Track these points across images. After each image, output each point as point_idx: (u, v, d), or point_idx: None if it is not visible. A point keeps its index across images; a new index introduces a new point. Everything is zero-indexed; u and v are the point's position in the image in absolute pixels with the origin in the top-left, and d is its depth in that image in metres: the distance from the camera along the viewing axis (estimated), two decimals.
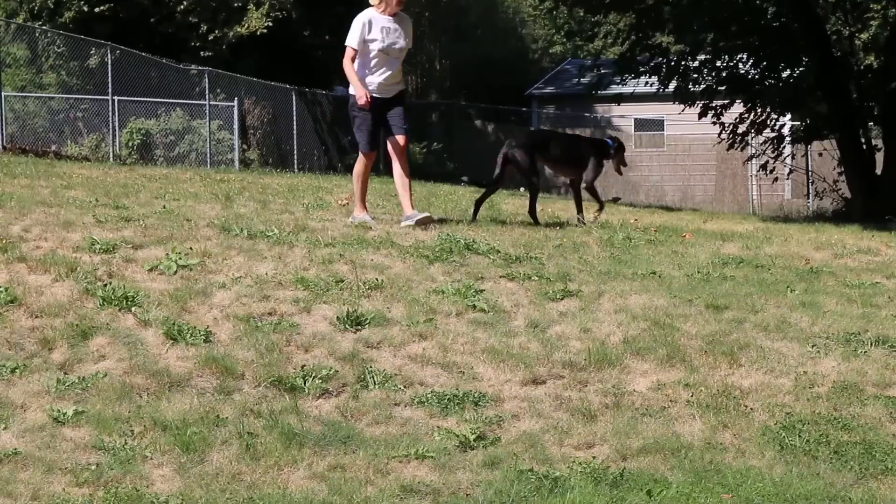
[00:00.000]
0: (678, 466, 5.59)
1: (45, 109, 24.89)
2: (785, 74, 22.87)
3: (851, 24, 22.32)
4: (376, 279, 7.92)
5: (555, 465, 5.58)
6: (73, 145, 23.43)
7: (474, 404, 6.23)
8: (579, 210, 11.99)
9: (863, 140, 22.29)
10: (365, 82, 10.05)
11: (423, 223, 9.92)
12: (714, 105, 23.50)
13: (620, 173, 12.31)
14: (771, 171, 24.38)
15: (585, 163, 11.88)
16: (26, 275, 7.57)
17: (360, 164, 10.43)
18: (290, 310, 7.31)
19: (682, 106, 23.55)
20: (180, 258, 8.03)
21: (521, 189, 22.83)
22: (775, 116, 23.97)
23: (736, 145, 24.10)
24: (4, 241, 8.18)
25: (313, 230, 9.50)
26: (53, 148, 22.10)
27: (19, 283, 7.38)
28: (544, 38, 48.45)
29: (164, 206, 10.48)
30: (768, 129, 24.07)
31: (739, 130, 23.90)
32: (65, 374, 6.34)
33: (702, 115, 23.52)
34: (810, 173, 28.11)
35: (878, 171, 22.17)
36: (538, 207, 11.65)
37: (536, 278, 8.22)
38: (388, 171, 10.82)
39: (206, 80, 25.00)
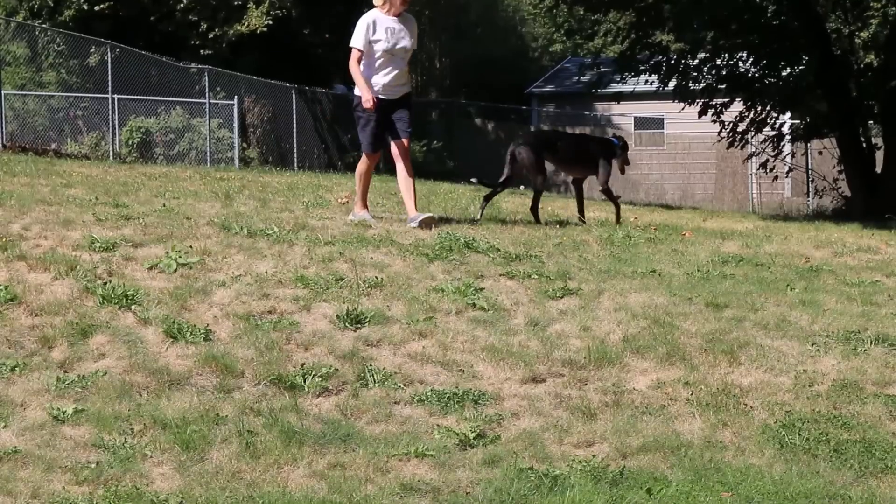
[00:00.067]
0: (678, 465, 5.59)
1: (45, 108, 24.88)
2: (785, 73, 22.86)
3: (851, 23, 22.31)
4: (376, 277, 7.92)
5: (555, 464, 5.58)
6: (72, 143, 23.43)
7: (474, 402, 6.23)
8: (580, 209, 11.98)
9: (863, 138, 22.29)
10: (371, 83, 10.02)
11: (427, 224, 9.90)
12: (714, 103, 23.49)
13: (623, 172, 12.31)
14: (771, 170, 24.38)
15: (593, 163, 11.88)
16: (26, 273, 7.57)
17: (362, 163, 10.42)
18: (290, 308, 7.31)
19: (681, 104, 23.54)
20: (180, 256, 8.03)
21: (522, 188, 22.84)
22: (775, 115, 23.97)
23: (736, 144, 24.10)
24: (4, 240, 8.18)
25: (313, 228, 9.50)
26: (53, 146, 22.09)
27: (19, 281, 7.38)
28: (544, 37, 48.44)
29: (164, 205, 10.48)
30: (768, 128, 24.07)
31: (739, 129, 23.89)
32: (65, 372, 6.34)
33: (702, 113, 23.51)
34: (810, 172, 28.12)
35: (878, 169, 22.17)
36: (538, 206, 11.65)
37: (536, 276, 8.22)
38: (389, 170, 10.78)
39: (206, 78, 25.00)
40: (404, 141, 10.17)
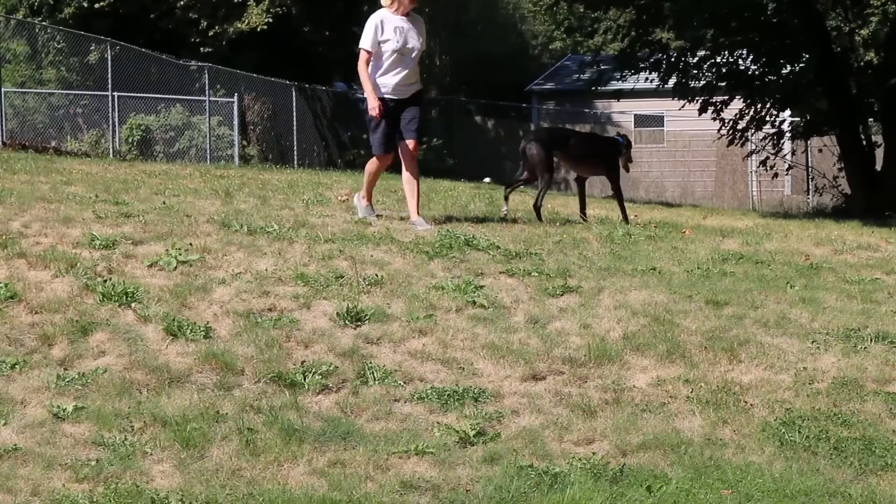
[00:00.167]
0: (678, 462, 5.59)
1: (45, 105, 24.86)
2: (785, 70, 22.87)
3: (851, 20, 22.31)
4: (376, 275, 7.92)
5: (554, 461, 5.58)
6: (72, 141, 23.42)
7: (474, 400, 6.23)
8: (583, 208, 11.99)
9: (863, 136, 22.31)
10: (381, 84, 9.97)
11: (424, 234, 9.86)
12: (714, 101, 23.49)
13: (627, 170, 12.34)
14: (771, 167, 24.39)
15: (601, 162, 11.91)
16: (26, 271, 7.57)
17: (373, 163, 10.34)
18: (290, 306, 7.31)
19: (681, 102, 23.55)
20: (180, 254, 8.03)
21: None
22: (775, 112, 23.98)
23: (736, 141, 24.10)
24: (4, 237, 8.17)
25: (313, 226, 9.50)
26: (53, 144, 22.08)
27: (19, 278, 7.38)
28: (544, 34, 48.40)
29: (164, 202, 10.48)
30: (768, 125, 24.08)
31: (739, 126, 23.90)
32: (65, 369, 6.34)
33: (701, 110, 23.52)
34: (810, 169, 28.12)
35: (878, 167, 22.19)
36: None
37: (536, 274, 8.22)
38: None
39: (206, 75, 24.99)
40: (411, 142, 10.11)
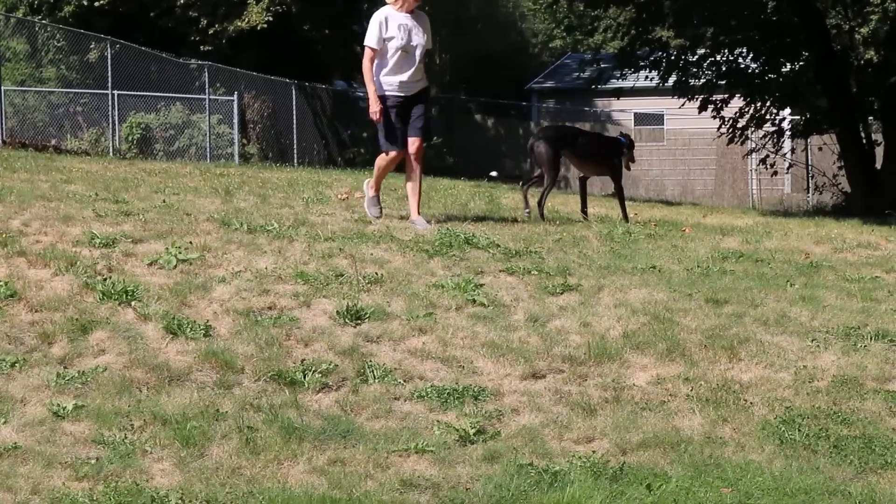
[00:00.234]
0: (678, 460, 5.59)
1: (45, 104, 24.87)
2: (785, 69, 22.84)
3: (851, 19, 22.31)
4: (376, 273, 7.92)
5: (554, 460, 5.58)
6: (72, 139, 23.43)
7: (474, 398, 6.23)
8: (584, 206, 12.00)
9: (863, 134, 22.29)
10: (387, 82, 9.92)
11: (424, 233, 9.84)
12: (714, 99, 23.48)
13: (629, 169, 12.36)
14: (771, 166, 24.37)
15: (606, 162, 11.93)
16: (26, 269, 7.57)
17: (382, 158, 10.25)
18: (290, 304, 7.31)
19: (681, 100, 23.53)
20: (180, 252, 8.03)
21: (521, 183, 22.81)
22: (775, 111, 23.95)
23: (736, 139, 24.08)
24: (4, 236, 8.18)
25: (313, 224, 9.50)
26: (53, 142, 22.10)
27: (19, 277, 7.38)
28: (544, 33, 48.42)
29: (164, 201, 10.48)
30: (768, 124, 24.05)
31: (739, 125, 23.87)
32: (64, 368, 6.34)
33: (701, 109, 23.49)
34: (810, 167, 28.10)
35: (878, 165, 22.17)
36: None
37: (536, 272, 8.22)
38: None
39: (206, 74, 24.99)
40: (416, 141, 10.09)
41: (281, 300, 7.35)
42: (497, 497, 5.18)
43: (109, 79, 23.22)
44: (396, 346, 6.83)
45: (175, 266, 7.84)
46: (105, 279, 7.42)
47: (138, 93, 24.38)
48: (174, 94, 25.39)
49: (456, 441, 5.75)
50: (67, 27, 26.02)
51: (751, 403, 6.22)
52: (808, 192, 29.14)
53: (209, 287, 7.48)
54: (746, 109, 23.74)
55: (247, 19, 27.11)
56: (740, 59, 23.36)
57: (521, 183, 11.68)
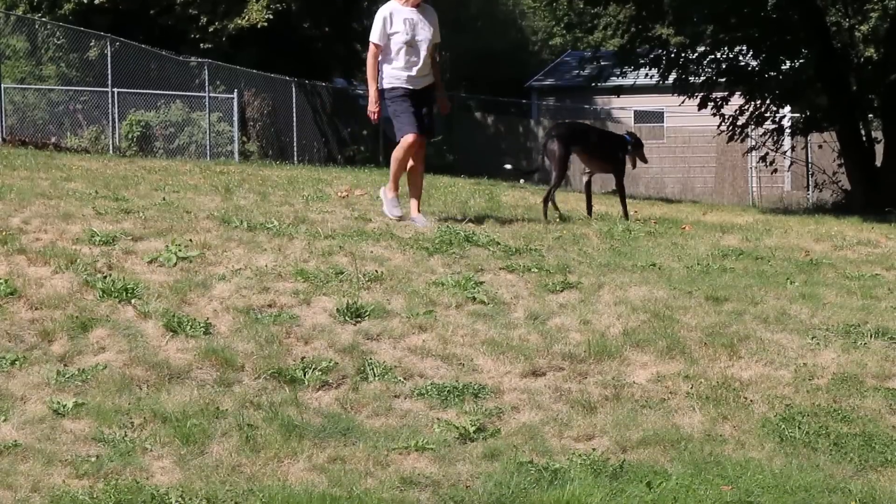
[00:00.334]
0: (678, 458, 5.59)
1: (45, 101, 24.87)
2: (785, 66, 22.84)
3: (851, 16, 22.30)
4: (376, 271, 7.92)
5: (555, 457, 5.58)
6: (72, 137, 23.42)
7: (474, 396, 6.23)
8: (589, 205, 12.02)
9: (863, 132, 22.28)
10: (395, 76, 9.86)
11: (424, 230, 9.82)
12: (714, 97, 23.47)
13: (634, 166, 12.38)
14: (771, 163, 24.37)
15: (612, 159, 11.94)
16: (26, 267, 7.57)
17: (399, 148, 10.01)
18: (290, 302, 7.31)
19: (681, 98, 23.53)
20: (180, 250, 8.03)
21: (521, 181, 22.82)
22: (775, 108, 23.95)
23: (736, 137, 24.08)
24: (4, 233, 8.17)
25: (313, 222, 9.50)
26: (53, 140, 22.09)
27: (19, 275, 7.38)
28: (544, 30, 48.41)
29: (164, 198, 10.48)
30: (768, 121, 24.05)
31: (739, 122, 23.87)
32: (65, 365, 6.34)
33: (701, 106, 23.48)
34: (810, 165, 28.10)
35: (878, 162, 22.17)
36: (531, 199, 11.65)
37: (536, 270, 8.22)
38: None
39: (206, 71, 24.98)
40: (420, 137, 10.01)
41: (281, 298, 7.35)
42: (497, 495, 5.18)
43: (109, 76, 23.21)
44: (396, 344, 6.83)
45: (175, 264, 7.84)
46: (105, 277, 7.42)
47: (138, 90, 24.37)
48: (174, 92, 25.38)
49: (456, 439, 5.75)
50: (67, 25, 26.03)
51: (751, 401, 6.22)
52: (808, 190, 29.14)
53: (209, 285, 7.48)
54: (746, 107, 23.74)
55: (247, 17, 27.10)
56: (740, 57, 23.36)
57: (544, 198, 11.62)
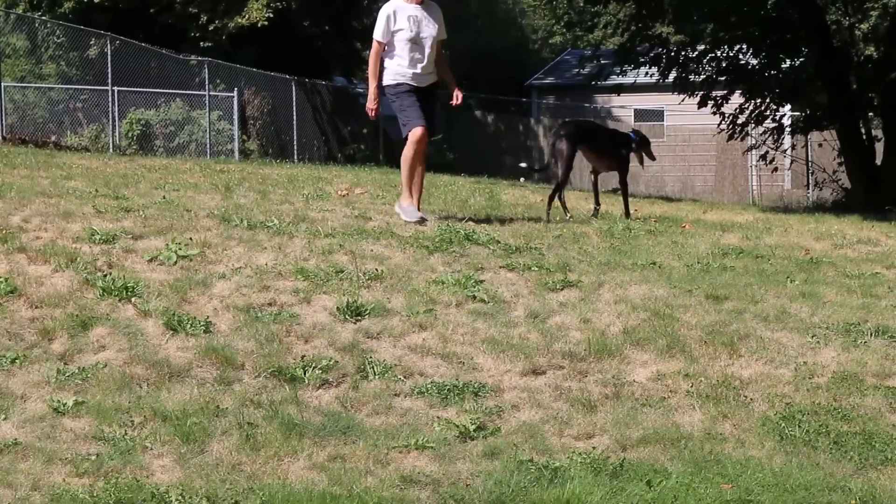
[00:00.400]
0: (678, 457, 5.59)
1: (45, 100, 24.86)
2: (785, 65, 22.85)
3: (851, 15, 22.28)
4: (376, 270, 7.92)
5: (555, 456, 5.58)
6: (72, 136, 23.40)
7: (474, 395, 6.23)
8: (597, 202, 12.03)
9: (863, 130, 22.29)
10: (399, 73, 9.83)
11: (423, 228, 9.78)
12: (714, 95, 23.48)
13: (642, 164, 12.39)
14: (771, 162, 24.37)
15: (618, 157, 11.95)
16: (26, 265, 7.57)
17: (408, 148, 9.88)
18: (290, 300, 7.31)
19: (681, 96, 23.54)
20: (180, 248, 8.03)
21: (522, 179, 22.81)
22: (775, 107, 23.95)
23: (736, 136, 24.08)
24: (4, 232, 8.17)
25: (313, 221, 9.50)
26: (53, 138, 22.08)
27: (19, 273, 7.38)
28: (544, 29, 48.38)
29: (164, 197, 10.48)
30: (768, 120, 24.05)
31: (739, 121, 23.87)
32: (65, 364, 6.35)
33: (701, 104, 23.49)
34: (810, 164, 28.10)
35: (878, 161, 22.17)
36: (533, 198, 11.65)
37: (536, 269, 8.22)
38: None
39: (206, 70, 24.97)
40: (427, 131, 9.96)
41: (281, 296, 7.35)
42: (497, 493, 5.18)
43: (109, 75, 23.20)
44: (396, 343, 6.83)
45: (175, 262, 7.84)
46: (105, 275, 7.42)
47: (138, 89, 24.36)
48: (174, 91, 25.37)
49: (456, 437, 5.76)
50: (67, 23, 26.01)
51: (751, 399, 6.22)
52: (809, 189, 29.15)
53: (209, 283, 7.48)
54: (746, 106, 23.75)
55: (247, 16, 27.08)
56: (740, 56, 23.37)
57: (550, 198, 11.62)
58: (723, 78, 23.34)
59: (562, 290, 7.79)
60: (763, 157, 24.48)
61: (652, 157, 12.33)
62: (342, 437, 5.70)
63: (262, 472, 5.33)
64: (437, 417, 5.96)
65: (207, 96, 24.87)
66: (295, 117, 27.86)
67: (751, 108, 23.74)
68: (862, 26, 22.28)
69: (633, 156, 12.06)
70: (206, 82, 24.92)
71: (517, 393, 6.30)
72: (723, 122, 23.90)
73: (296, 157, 26.79)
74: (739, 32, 22.47)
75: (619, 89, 24.98)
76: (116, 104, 23.60)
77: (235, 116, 25.36)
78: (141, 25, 27.06)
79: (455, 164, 28.75)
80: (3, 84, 20.94)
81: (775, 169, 25.26)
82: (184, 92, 25.52)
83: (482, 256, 8.55)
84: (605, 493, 5.17)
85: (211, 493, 5.08)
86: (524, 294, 7.69)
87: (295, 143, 27.77)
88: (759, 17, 21.81)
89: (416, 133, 9.77)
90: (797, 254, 9.49)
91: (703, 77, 23.31)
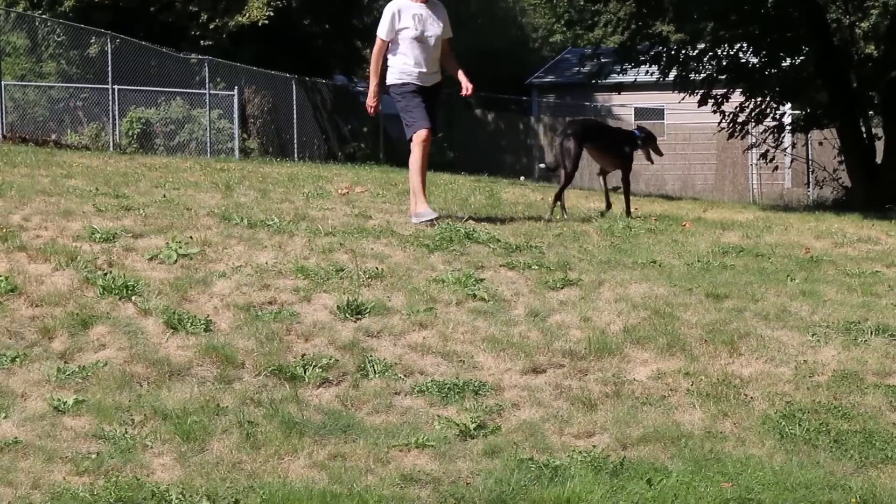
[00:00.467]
0: (678, 455, 5.59)
1: (45, 98, 24.86)
2: (785, 63, 22.83)
3: (851, 13, 22.27)
4: (376, 268, 7.92)
5: (555, 454, 5.58)
6: (73, 134, 23.41)
7: (474, 393, 6.23)
8: (608, 200, 12.02)
9: (863, 129, 22.27)
10: (404, 72, 9.81)
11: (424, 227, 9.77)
12: (714, 94, 23.46)
13: (651, 161, 12.38)
14: (771, 160, 24.36)
15: (622, 155, 11.95)
16: (26, 264, 7.57)
17: (415, 150, 9.80)
18: (291, 299, 7.31)
19: (682, 95, 23.52)
20: (180, 247, 8.03)
21: (522, 178, 22.80)
22: (775, 105, 23.93)
23: (736, 134, 24.07)
24: (5, 231, 8.17)
25: (313, 219, 9.50)
26: (53, 137, 22.07)
27: (19, 272, 7.38)
28: (544, 27, 48.38)
29: (164, 196, 10.48)
30: (769, 118, 24.04)
31: (739, 119, 23.85)
32: (65, 363, 6.35)
33: (701, 103, 23.47)
34: (810, 162, 28.08)
35: (879, 159, 22.16)
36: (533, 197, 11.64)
37: (536, 267, 8.22)
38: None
39: (206, 68, 24.97)
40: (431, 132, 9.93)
41: (281, 295, 7.35)
42: (497, 492, 5.19)
43: (109, 73, 23.21)
44: (397, 341, 6.83)
45: (175, 261, 7.84)
46: (105, 274, 7.42)
47: (138, 87, 24.37)
48: (174, 89, 25.38)
49: (456, 436, 5.76)
50: (68, 22, 26.01)
51: (751, 398, 6.22)
52: (809, 187, 29.14)
53: (210, 282, 7.48)
54: (747, 104, 23.72)
55: (247, 14, 27.09)
56: (740, 54, 23.34)
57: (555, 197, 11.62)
58: (723, 76, 23.32)
59: (562, 288, 7.79)
60: (763, 155, 24.46)
61: (659, 153, 12.33)
62: (342, 435, 5.70)
63: (262, 471, 5.33)
64: (438, 416, 5.97)
65: (208, 95, 24.87)
66: (295, 116, 27.86)
67: (751, 106, 23.72)
68: (862, 25, 22.27)
69: (639, 153, 12.06)
70: (207, 81, 24.92)
71: (517, 391, 6.30)
72: (723, 121, 23.88)
73: (296, 155, 26.79)
74: (740, 31, 22.45)
75: (620, 88, 24.95)
76: (117, 103, 23.60)
77: (236, 115, 25.36)
78: (141, 24, 27.07)
79: (455, 163, 28.74)
80: (3, 82, 20.94)
81: (776, 167, 25.25)
82: (184, 90, 25.53)
83: (482, 255, 8.55)
84: (605, 492, 5.17)
85: (211, 492, 5.08)
86: (524, 292, 7.69)
87: (295, 141, 27.77)
88: (759, 15, 21.80)
89: (420, 135, 9.76)
90: (797, 252, 9.49)
91: (703, 75, 23.29)
